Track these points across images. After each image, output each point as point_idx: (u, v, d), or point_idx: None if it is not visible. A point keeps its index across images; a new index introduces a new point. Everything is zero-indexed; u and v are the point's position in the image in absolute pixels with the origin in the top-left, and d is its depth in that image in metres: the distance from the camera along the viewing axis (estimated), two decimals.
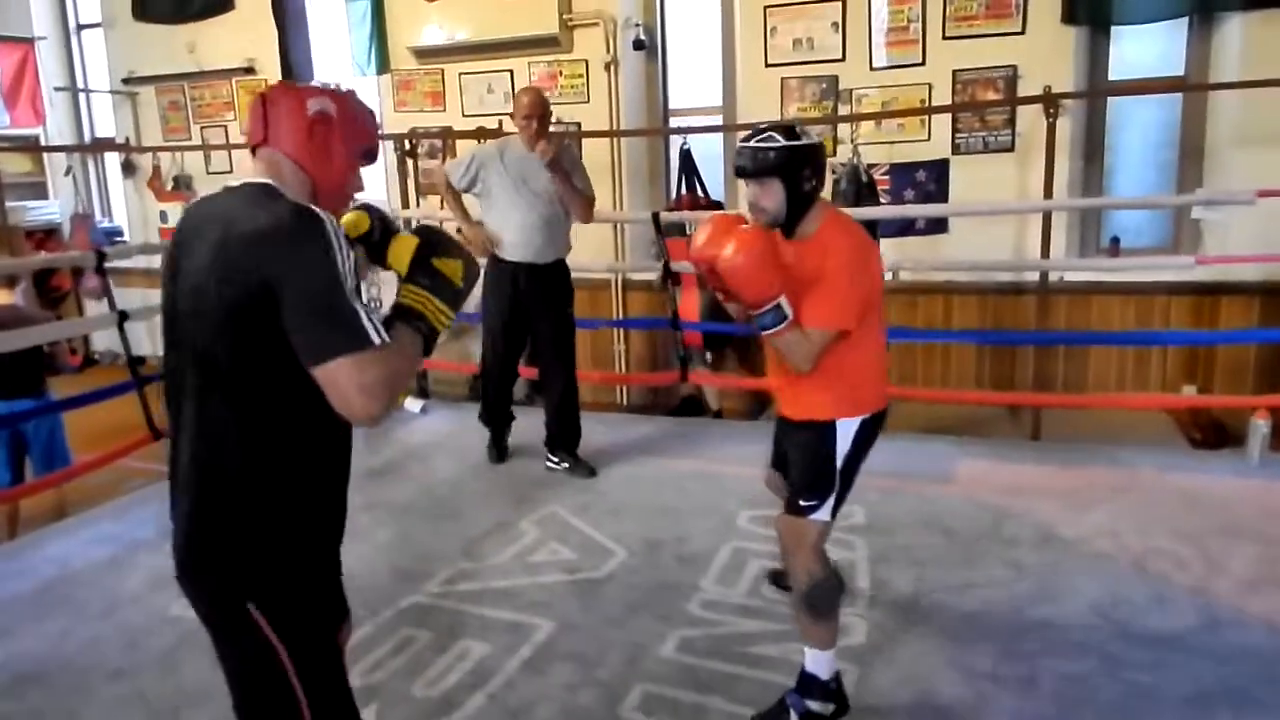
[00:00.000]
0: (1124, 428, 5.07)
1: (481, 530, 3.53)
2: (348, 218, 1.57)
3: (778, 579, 2.96)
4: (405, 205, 5.49)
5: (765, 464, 2.69)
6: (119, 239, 7.88)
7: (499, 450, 4.32)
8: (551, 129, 3.97)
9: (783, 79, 5.81)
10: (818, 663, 2.33)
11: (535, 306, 4.07)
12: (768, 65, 5.83)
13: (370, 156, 1.64)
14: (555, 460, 4.13)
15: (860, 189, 5.12)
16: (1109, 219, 5.69)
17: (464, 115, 6.47)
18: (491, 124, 6.16)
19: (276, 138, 1.55)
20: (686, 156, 5.57)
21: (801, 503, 2.31)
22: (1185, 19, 5.22)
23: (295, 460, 1.54)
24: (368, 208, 1.61)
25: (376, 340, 1.37)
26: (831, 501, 2.30)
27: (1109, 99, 5.56)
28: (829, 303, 2.17)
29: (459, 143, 6.13)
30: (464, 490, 3.97)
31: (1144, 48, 5.42)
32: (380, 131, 4.93)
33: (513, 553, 3.37)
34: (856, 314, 2.18)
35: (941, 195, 5.56)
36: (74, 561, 3.42)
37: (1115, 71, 5.50)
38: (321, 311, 1.37)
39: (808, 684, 2.33)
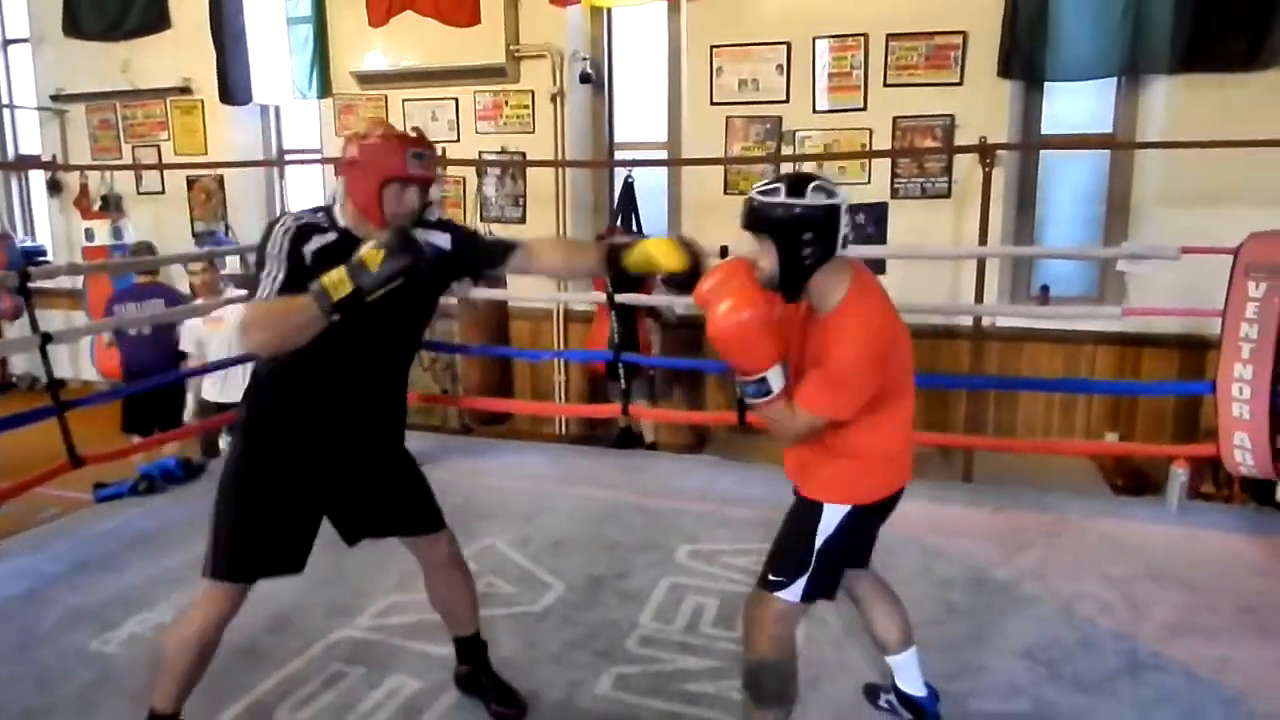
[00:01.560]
0: (1051, 471, 5.20)
1: (413, 563, 3.43)
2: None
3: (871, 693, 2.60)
4: None
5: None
6: (41, 259, 7.62)
7: None
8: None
9: (727, 117, 5.91)
10: None
11: None
12: (713, 103, 5.93)
13: (403, 184, 2.12)
14: None
15: None
16: (1039, 268, 5.89)
17: None
18: (436, 151, 6.12)
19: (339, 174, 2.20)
20: (628, 189, 5.62)
21: (769, 576, 2.12)
22: (1114, 79, 5.46)
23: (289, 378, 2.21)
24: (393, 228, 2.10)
25: (262, 296, 2.07)
26: (803, 584, 2.08)
27: (1041, 152, 5.77)
28: (826, 391, 1.94)
29: None
30: None
31: (1075, 104, 5.66)
32: (321, 155, 4.88)
33: None
34: (855, 407, 1.96)
35: (880, 238, 5.69)
36: None
37: (1047, 126, 5.72)
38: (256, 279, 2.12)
39: None
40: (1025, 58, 5.39)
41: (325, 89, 6.55)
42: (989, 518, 3.88)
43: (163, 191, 7.23)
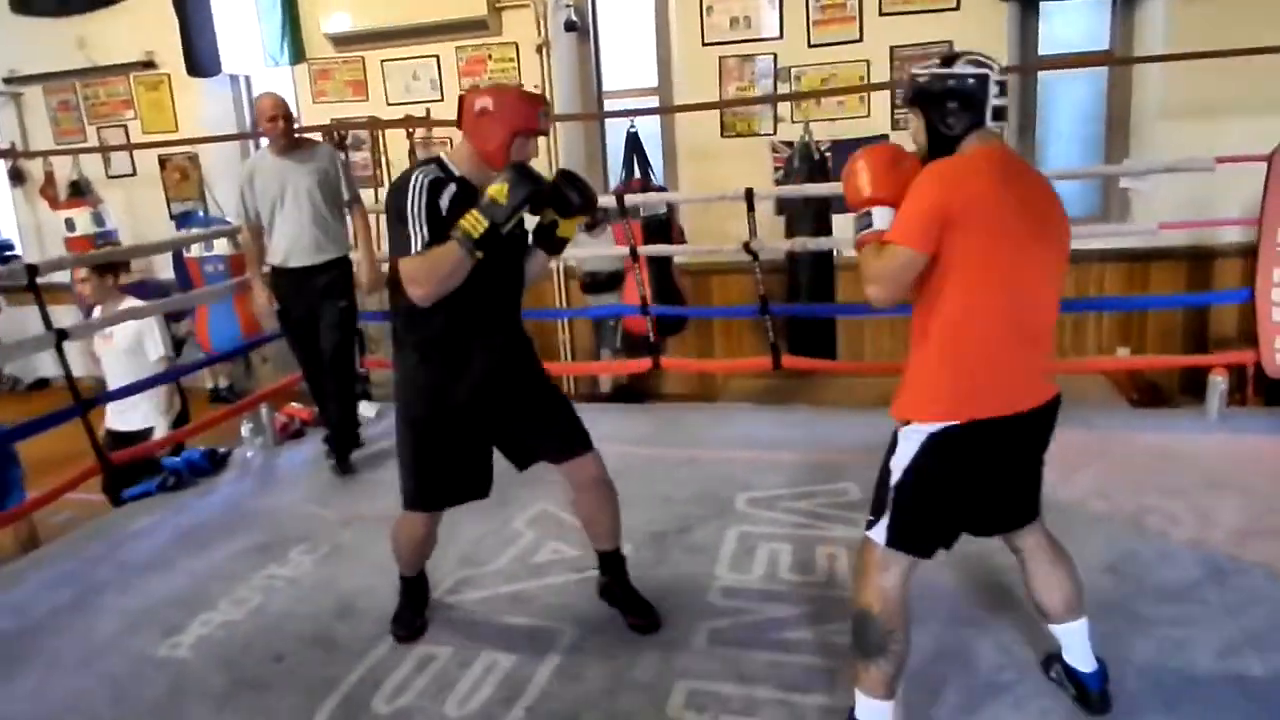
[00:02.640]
0: (1069, 389, 5.24)
1: (474, 535, 3.38)
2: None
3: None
4: None
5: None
6: (9, 253, 7.29)
7: (346, 460, 4.14)
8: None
9: (720, 58, 5.77)
10: (865, 711, 2.04)
11: (316, 307, 4.03)
12: (704, 44, 5.78)
13: (527, 136, 2.35)
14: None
15: (813, 167, 5.13)
16: None
17: (389, 104, 6.22)
18: (419, 112, 5.94)
19: (463, 125, 2.35)
20: (634, 139, 5.48)
21: (867, 516, 2.03)
22: None
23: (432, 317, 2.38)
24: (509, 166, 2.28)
25: (415, 249, 2.25)
26: (885, 526, 1.97)
27: (1039, 74, 5.72)
28: (899, 219, 1.91)
29: (388, 133, 5.87)
30: None
31: (1072, 24, 5.60)
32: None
33: (512, 555, 3.23)
34: (920, 230, 1.85)
35: None
36: (33, 608, 3.10)
37: (1045, 47, 5.66)
38: (395, 235, 2.30)
39: None
40: None
41: (298, 54, 6.27)
42: None
43: (134, 173, 6.91)
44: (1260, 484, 3.30)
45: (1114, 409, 4.34)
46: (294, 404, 4.76)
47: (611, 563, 2.76)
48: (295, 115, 4.04)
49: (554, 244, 2.54)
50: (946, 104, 1.94)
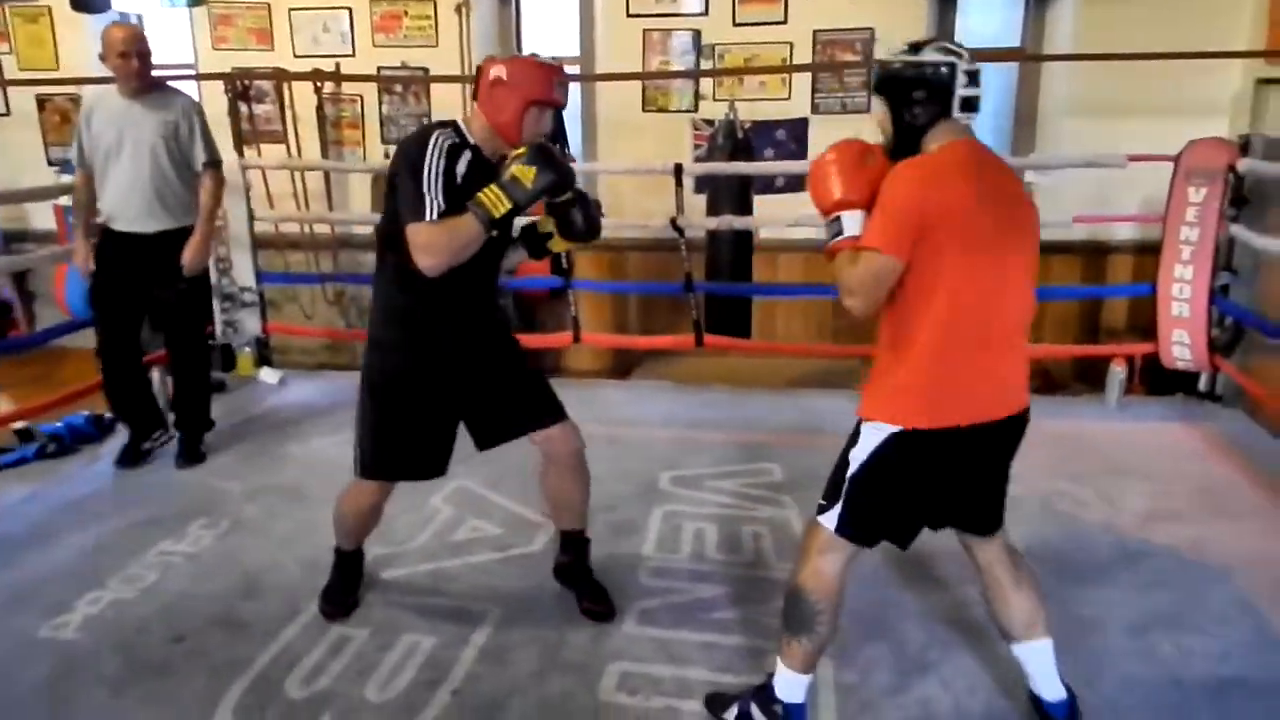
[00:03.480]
0: None
1: (389, 512, 3.14)
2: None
3: None
4: (241, 153, 4.90)
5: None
6: None
7: (132, 451, 3.69)
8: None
9: (645, 30, 5.68)
10: (782, 682, 2.05)
11: (143, 284, 3.58)
12: (629, 15, 5.67)
13: (543, 107, 2.24)
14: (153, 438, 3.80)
15: (736, 145, 5.11)
16: None
17: (296, 56, 5.87)
18: (328, 66, 5.64)
19: (478, 94, 2.25)
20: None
21: (819, 499, 2.00)
22: None
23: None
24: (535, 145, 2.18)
25: (431, 217, 2.12)
26: (837, 513, 1.94)
27: None
28: (871, 227, 1.84)
29: (295, 86, 5.56)
30: None
31: (986, 19, 5.73)
32: (196, 71, 4.35)
33: (430, 533, 3.12)
34: (896, 236, 1.78)
35: (802, 154, 5.65)
36: None
37: (961, 39, 5.77)
38: (406, 192, 2.16)
39: (764, 696, 2.09)
40: None
41: None
42: None
43: (7, 113, 6.34)
44: (1160, 469, 3.46)
45: None
46: None
47: (575, 544, 2.69)
48: (153, 54, 3.57)
49: (539, 251, 2.48)
50: (913, 93, 1.87)
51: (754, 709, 2.10)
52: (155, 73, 3.59)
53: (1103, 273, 5.72)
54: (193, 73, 5.75)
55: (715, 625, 2.56)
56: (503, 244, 2.43)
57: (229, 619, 2.61)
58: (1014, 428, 1.95)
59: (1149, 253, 5.46)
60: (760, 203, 5.43)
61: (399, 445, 2.45)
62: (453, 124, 2.27)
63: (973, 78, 1.86)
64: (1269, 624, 2.53)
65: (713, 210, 5.05)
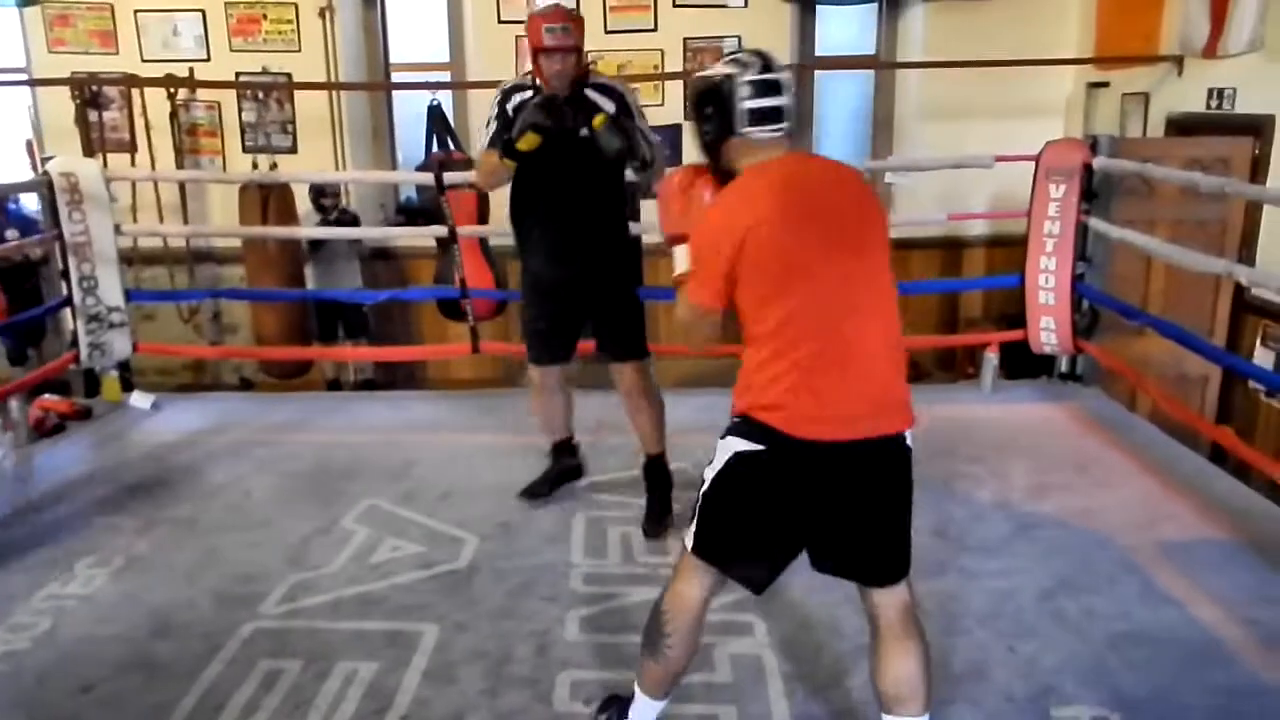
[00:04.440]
0: None
1: (299, 536, 3.09)
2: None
3: None
4: (106, 163, 4.54)
5: None
6: None
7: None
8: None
9: (517, 37, 5.64)
10: (637, 704, 1.97)
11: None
12: (501, 21, 5.64)
13: (546, 53, 2.64)
14: None
15: None
16: None
17: (144, 60, 5.50)
18: (181, 71, 5.32)
19: None
20: (438, 113, 5.22)
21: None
22: (877, 3, 5.87)
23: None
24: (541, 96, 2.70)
25: (481, 145, 2.89)
26: (693, 529, 1.83)
27: (816, 73, 6.10)
28: (691, 261, 1.80)
29: (147, 92, 5.21)
30: (255, 494, 3.44)
31: (844, 28, 6.01)
32: (29, 76, 4.05)
33: (348, 556, 2.99)
34: (713, 289, 1.74)
35: (677, 160, 5.75)
36: None
37: (822, 48, 6.04)
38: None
39: (620, 711, 2.04)
40: None
41: None
42: None
43: None
44: (1040, 446, 3.74)
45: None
46: (49, 396, 4.12)
47: (650, 465, 3.09)
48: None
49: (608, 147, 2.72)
50: (704, 109, 1.80)
51: None
52: None
53: (960, 266, 6.12)
54: (25, 78, 5.30)
55: None
56: (572, 169, 2.76)
57: (141, 662, 2.43)
58: (879, 454, 1.75)
59: (999, 245, 5.91)
60: (648, 207, 5.49)
61: (531, 333, 3.05)
62: (529, 72, 2.78)
63: (765, 87, 1.75)
64: (1152, 581, 2.77)
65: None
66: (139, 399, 4.11)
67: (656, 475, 3.07)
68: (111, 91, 5.29)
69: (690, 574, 1.87)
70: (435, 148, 5.21)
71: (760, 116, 1.76)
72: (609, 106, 2.74)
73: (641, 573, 2.87)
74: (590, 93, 2.75)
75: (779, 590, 2.70)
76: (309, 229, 5.19)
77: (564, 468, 3.28)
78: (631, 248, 3.09)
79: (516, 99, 2.74)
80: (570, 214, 2.83)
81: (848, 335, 1.72)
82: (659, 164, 2.87)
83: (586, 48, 2.68)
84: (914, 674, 1.82)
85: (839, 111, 6.23)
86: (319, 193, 5.28)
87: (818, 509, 1.77)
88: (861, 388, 1.72)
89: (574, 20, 2.67)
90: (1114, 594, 2.70)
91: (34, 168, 4.81)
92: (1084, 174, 3.87)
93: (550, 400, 3.14)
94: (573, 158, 2.73)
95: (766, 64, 1.78)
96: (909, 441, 1.81)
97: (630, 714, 1.99)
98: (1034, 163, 4.02)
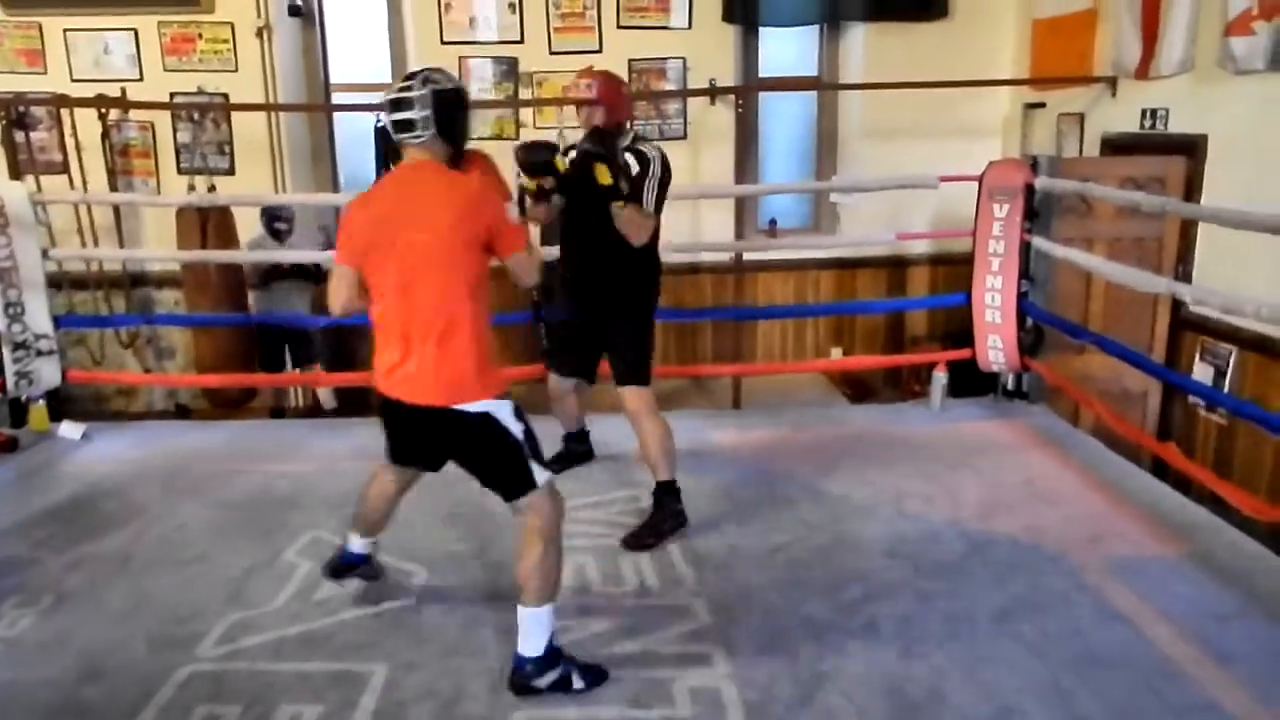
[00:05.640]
0: (790, 387, 5.68)
1: (238, 571, 2.97)
2: None
3: None
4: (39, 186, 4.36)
5: None
6: None
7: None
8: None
9: (461, 58, 5.60)
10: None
11: None
12: (444, 42, 5.58)
13: (575, 103, 3.25)
14: None
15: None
16: (765, 203, 6.30)
17: (73, 80, 5.33)
18: (113, 91, 5.16)
19: None
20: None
21: None
22: (818, 26, 5.94)
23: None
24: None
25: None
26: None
27: (759, 94, 6.14)
28: None
29: (77, 113, 5.04)
30: (191, 527, 3.30)
31: (786, 49, 6.06)
32: None
33: (291, 592, 2.88)
34: (339, 246, 2.36)
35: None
36: None
37: (765, 69, 6.08)
38: None
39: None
40: (744, 2, 5.67)
41: None
42: (795, 436, 4.15)
43: None
44: (989, 464, 3.76)
45: (841, 404, 4.74)
46: None
47: (654, 492, 3.23)
48: None
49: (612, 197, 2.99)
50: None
51: None
52: None
53: (904, 284, 6.19)
54: None
55: (612, 660, 2.51)
56: (585, 215, 3.07)
57: (71, 708, 2.31)
58: (438, 417, 2.31)
59: (942, 264, 5.99)
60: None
61: (557, 353, 3.60)
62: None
63: (397, 104, 2.27)
64: (1105, 600, 2.79)
65: (545, 238, 5.02)
66: (69, 429, 3.94)
67: (655, 501, 3.22)
68: (40, 112, 5.11)
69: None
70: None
71: (397, 126, 2.29)
72: (633, 164, 3.04)
73: (596, 603, 2.82)
74: (626, 153, 3.05)
75: (736, 619, 2.68)
76: (245, 253, 5.05)
77: (572, 451, 3.73)
78: (644, 288, 3.28)
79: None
80: (590, 249, 3.17)
81: (415, 318, 2.30)
82: (639, 213, 3.05)
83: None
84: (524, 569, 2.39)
85: (784, 132, 6.27)
86: (273, 217, 5.09)
87: (415, 438, 2.56)
88: (405, 360, 2.34)
89: (597, 78, 3.09)
90: (1068, 614, 2.71)
91: None
92: (1026, 194, 3.93)
93: (563, 401, 3.58)
94: (598, 207, 2.98)
95: (401, 85, 2.28)
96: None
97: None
98: (977, 183, 4.08)
